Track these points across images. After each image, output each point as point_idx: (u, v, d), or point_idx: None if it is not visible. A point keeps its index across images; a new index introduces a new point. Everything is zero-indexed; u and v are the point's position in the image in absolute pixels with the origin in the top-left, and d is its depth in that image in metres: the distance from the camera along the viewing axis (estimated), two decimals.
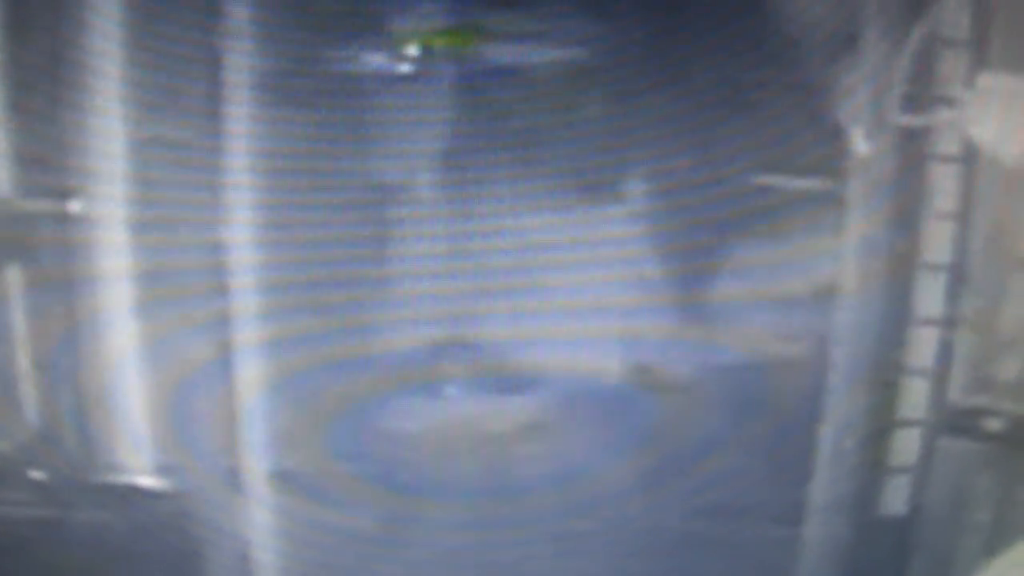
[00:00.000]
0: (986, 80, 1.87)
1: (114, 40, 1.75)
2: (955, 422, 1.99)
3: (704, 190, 1.87)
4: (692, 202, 1.88)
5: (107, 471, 1.87)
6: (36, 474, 1.88)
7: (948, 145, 1.92)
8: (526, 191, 1.83)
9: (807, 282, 1.93)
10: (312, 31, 1.76)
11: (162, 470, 1.86)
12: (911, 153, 1.91)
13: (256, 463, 1.83)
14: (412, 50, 1.76)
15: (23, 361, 1.89)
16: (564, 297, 1.84)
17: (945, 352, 1.98)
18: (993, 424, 1.97)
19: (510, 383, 1.85)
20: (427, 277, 1.85)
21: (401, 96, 1.78)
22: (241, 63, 1.73)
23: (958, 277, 1.96)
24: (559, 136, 1.84)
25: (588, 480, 1.83)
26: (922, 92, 1.89)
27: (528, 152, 1.82)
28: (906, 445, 1.99)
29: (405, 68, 1.77)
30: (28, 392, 1.89)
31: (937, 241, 1.95)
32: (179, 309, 1.83)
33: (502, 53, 1.81)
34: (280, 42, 1.74)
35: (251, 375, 1.80)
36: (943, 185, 1.94)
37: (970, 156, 1.92)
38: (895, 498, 2.00)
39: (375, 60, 1.77)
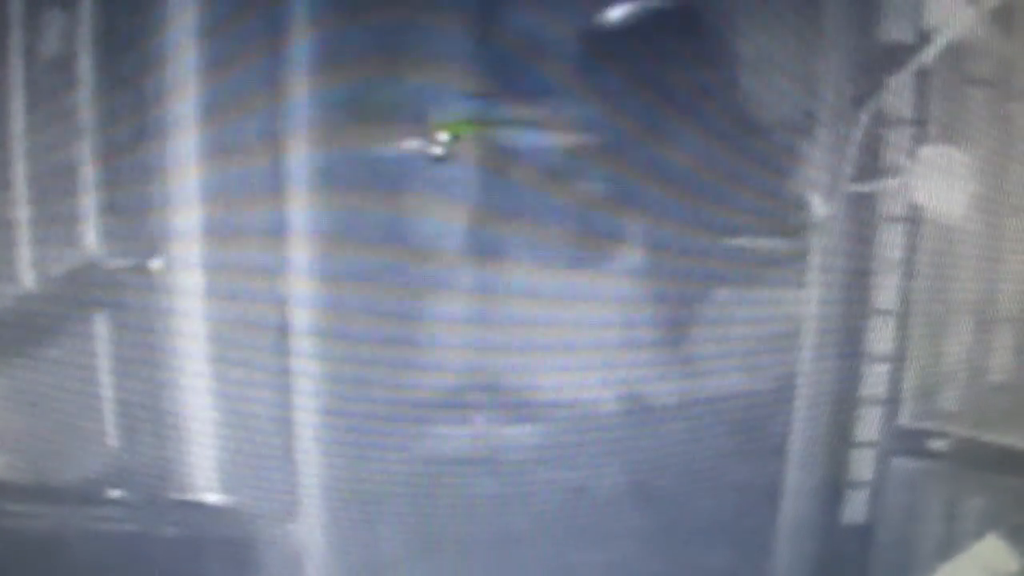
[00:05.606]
0: (926, 152, 1.98)
1: (192, 118, 1.91)
2: (905, 443, 2.10)
3: (687, 250, 1.99)
4: (677, 261, 2.01)
5: (178, 490, 1.98)
6: (115, 493, 1.99)
7: (894, 208, 2.02)
8: (538, 253, 1.99)
9: (776, 326, 2.05)
10: (365, 120, 1.94)
11: (227, 489, 1.98)
12: (863, 215, 2.02)
13: (310, 482, 1.97)
14: (443, 136, 1.93)
15: (107, 395, 1.99)
16: (571, 342, 1.97)
17: (895, 384, 2.09)
18: (938, 444, 2.09)
19: (525, 414, 2.01)
20: (458, 326, 1.99)
21: (435, 172, 1.95)
22: (303, 145, 1.89)
23: (904, 320, 2.07)
24: (562, 205, 1.98)
25: (590, 489, 1.98)
26: (872, 163, 1.99)
27: (537, 219, 1.96)
28: (863, 463, 2.10)
29: (438, 151, 1.94)
30: (110, 421, 1.99)
31: (886, 290, 2.05)
32: (242, 351, 1.97)
33: (513, 138, 1.97)
34: (338, 128, 1.92)
35: (307, 408, 1.95)
36: (891, 242, 2.04)
37: (914, 217, 2.02)
38: (854, 509, 2.09)
39: (414, 144, 1.95)
